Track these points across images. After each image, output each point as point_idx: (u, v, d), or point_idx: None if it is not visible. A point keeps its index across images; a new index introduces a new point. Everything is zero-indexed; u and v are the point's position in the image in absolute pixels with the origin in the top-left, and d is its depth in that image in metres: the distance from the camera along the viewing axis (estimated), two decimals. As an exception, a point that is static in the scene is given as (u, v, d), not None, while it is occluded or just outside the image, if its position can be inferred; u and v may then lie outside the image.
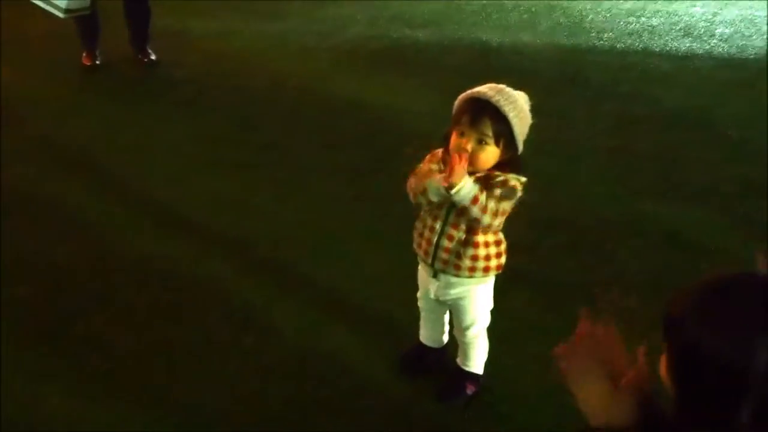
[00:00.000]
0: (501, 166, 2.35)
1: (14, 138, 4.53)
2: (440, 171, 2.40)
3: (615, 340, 1.49)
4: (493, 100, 2.27)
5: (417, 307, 2.84)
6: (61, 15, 5.01)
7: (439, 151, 2.46)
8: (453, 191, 2.27)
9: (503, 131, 2.28)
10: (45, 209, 3.86)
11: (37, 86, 5.25)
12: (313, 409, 2.74)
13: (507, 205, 2.35)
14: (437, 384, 2.81)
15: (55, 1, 4.97)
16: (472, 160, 2.29)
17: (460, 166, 2.25)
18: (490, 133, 2.28)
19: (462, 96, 2.35)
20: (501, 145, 2.30)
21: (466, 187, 2.27)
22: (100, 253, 3.53)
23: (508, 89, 2.33)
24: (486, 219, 2.34)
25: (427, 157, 2.50)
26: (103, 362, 2.91)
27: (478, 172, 2.34)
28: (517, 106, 2.30)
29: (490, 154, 2.31)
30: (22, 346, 2.98)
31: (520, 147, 2.34)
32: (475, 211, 2.31)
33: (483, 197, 2.30)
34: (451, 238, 2.43)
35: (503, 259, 2.52)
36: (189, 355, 2.96)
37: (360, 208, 3.90)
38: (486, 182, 2.34)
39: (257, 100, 5.12)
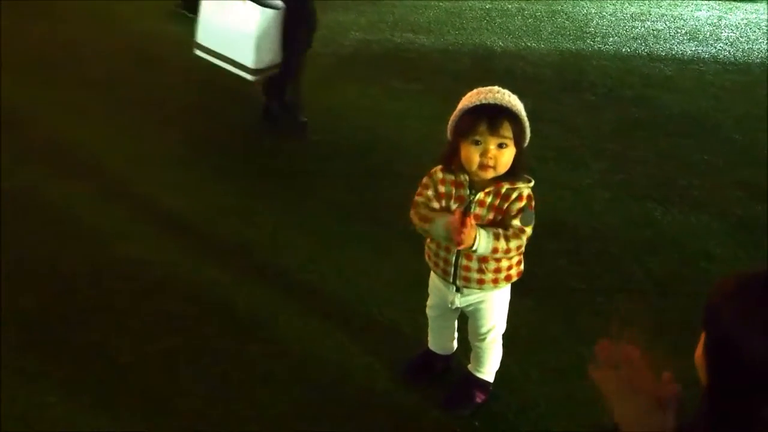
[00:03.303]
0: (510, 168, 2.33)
1: (15, 144, 4.52)
2: (437, 195, 2.42)
3: (639, 357, 1.47)
4: (505, 101, 2.26)
5: (421, 315, 2.81)
6: (249, 77, 4.50)
7: (437, 170, 2.43)
8: (472, 251, 2.29)
9: (519, 130, 2.28)
10: (46, 216, 3.84)
11: (37, 93, 5.24)
12: (318, 417, 2.71)
13: (530, 229, 2.35)
14: (444, 391, 2.79)
15: (241, 62, 4.46)
16: (496, 166, 2.28)
17: (467, 232, 2.24)
18: (511, 135, 2.26)
19: (465, 107, 2.29)
20: (519, 145, 2.30)
21: (482, 244, 2.28)
22: (101, 260, 3.51)
23: (500, 88, 2.32)
24: (514, 256, 2.39)
25: (424, 180, 2.45)
26: (105, 370, 2.89)
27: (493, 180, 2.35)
28: (518, 101, 2.30)
29: (510, 155, 2.29)
30: (24, 353, 2.96)
31: (527, 141, 2.34)
32: (500, 256, 2.34)
33: (502, 244, 2.30)
34: (469, 257, 2.40)
35: (522, 266, 2.51)
36: (191, 363, 2.94)
37: (361, 214, 3.88)
38: (502, 199, 2.33)
39: (258, 106, 5.11)
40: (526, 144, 2.34)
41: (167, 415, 2.71)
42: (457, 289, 2.52)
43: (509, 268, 2.45)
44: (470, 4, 7.40)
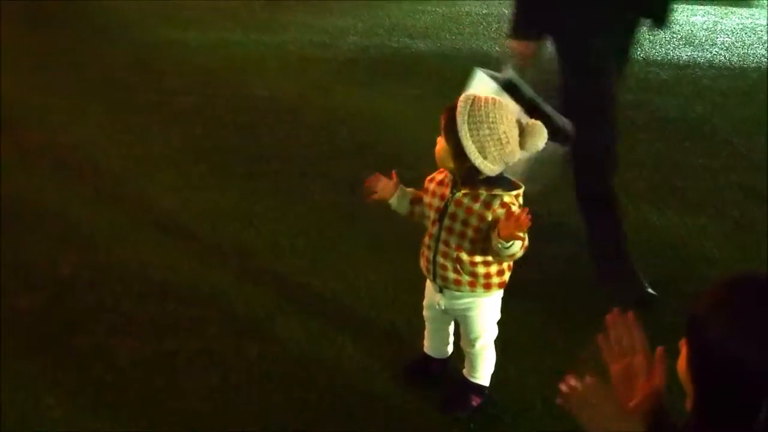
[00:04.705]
0: (495, 179, 2.36)
1: (15, 147, 4.52)
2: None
3: (639, 340, 1.48)
4: (459, 99, 2.31)
5: (419, 318, 2.83)
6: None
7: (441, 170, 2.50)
8: (508, 246, 2.28)
9: (447, 126, 2.31)
10: (46, 219, 3.84)
11: (37, 96, 5.24)
12: (316, 420, 2.72)
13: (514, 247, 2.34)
14: (440, 395, 2.79)
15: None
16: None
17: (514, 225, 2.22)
18: (442, 125, 2.34)
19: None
20: (451, 144, 2.31)
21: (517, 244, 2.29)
22: (101, 263, 3.51)
23: (494, 105, 2.30)
24: (492, 264, 2.42)
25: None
26: (105, 373, 2.89)
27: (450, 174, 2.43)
28: (481, 119, 2.27)
29: (439, 147, 2.37)
30: (24, 356, 2.96)
31: (475, 161, 2.29)
32: (521, 254, 2.34)
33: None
34: (445, 255, 2.45)
35: (506, 276, 2.51)
36: (190, 365, 2.94)
37: (361, 217, 3.89)
38: (483, 206, 2.35)
39: (256, 110, 5.12)
40: (473, 162, 2.29)
41: (166, 417, 2.71)
42: (440, 290, 2.55)
43: (487, 275, 2.46)
44: (467, 9, 7.42)
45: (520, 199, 2.38)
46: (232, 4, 7.31)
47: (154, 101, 5.27)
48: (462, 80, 5.57)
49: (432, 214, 2.47)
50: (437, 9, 7.43)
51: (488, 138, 2.26)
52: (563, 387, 1.47)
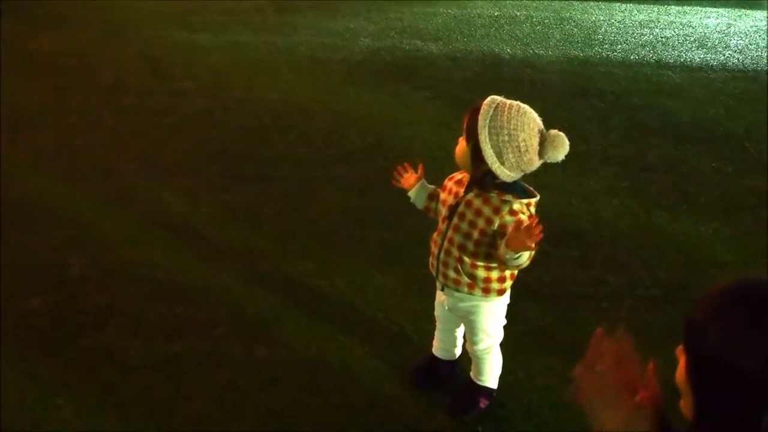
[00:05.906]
0: (510, 185, 2.34)
1: (26, 149, 4.54)
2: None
3: (630, 354, 1.46)
4: (483, 102, 2.29)
5: (428, 320, 2.83)
6: None
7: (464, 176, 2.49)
8: (516, 257, 2.26)
9: (470, 127, 2.29)
10: (56, 221, 3.86)
11: (49, 98, 5.26)
12: (323, 422, 2.72)
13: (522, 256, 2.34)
14: (449, 397, 2.79)
15: None
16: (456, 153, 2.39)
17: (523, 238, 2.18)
18: (464, 127, 2.32)
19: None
20: (470, 146, 2.30)
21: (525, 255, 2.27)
22: (110, 265, 3.53)
23: (517, 112, 2.26)
24: (493, 269, 2.44)
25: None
26: (114, 374, 2.91)
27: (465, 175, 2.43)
28: (502, 125, 2.25)
29: (460, 148, 2.36)
30: (33, 357, 2.98)
31: (491, 166, 2.27)
32: (527, 263, 2.33)
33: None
34: (448, 253, 2.45)
35: (506, 284, 2.49)
36: (199, 367, 2.95)
37: (370, 220, 3.89)
38: (493, 211, 2.32)
39: (267, 112, 5.13)
40: (489, 167, 2.27)
41: (175, 418, 2.72)
42: (442, 287, 2.56)
43: (487, 280, 2.45)
44: (478, 12, 7.41)
45: (532, 209, 2.35)
46: (244, 6, 7.33)
47: (165, 104, 5.28)
48: (473, 82, 5.61)
49: (444, 211, 2.47)
50: (448, 11, 7.43)
51: (507, 144, 2.25)
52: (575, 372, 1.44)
